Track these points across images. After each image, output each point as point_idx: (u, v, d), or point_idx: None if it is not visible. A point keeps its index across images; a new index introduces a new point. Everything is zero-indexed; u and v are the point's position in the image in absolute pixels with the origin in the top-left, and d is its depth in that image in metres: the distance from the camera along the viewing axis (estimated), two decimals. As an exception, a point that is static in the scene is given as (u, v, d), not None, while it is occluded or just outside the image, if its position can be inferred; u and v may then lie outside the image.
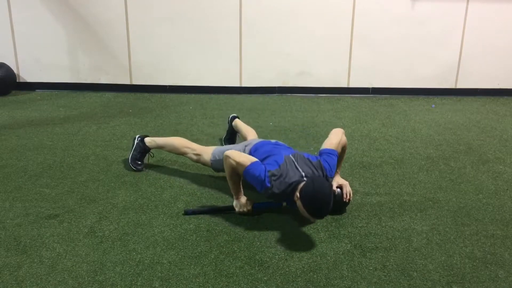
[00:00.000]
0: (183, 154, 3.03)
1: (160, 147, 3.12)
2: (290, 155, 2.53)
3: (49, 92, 5.11)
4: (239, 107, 4.67)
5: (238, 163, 2.42)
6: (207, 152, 2.93)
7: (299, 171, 2.40)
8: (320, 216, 2.31)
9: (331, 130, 2.83)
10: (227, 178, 2.53)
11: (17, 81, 5.09)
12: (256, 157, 2.55)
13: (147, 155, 3.15)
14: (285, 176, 2.36)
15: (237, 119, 3.51)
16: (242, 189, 2.57)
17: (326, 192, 2.23)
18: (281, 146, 2.78)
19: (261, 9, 4.92)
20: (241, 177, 2.51)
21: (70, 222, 2.48)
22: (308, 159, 2.51)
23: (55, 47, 5.01)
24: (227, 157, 2.46)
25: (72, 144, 3.59)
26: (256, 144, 2.81)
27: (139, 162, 3.10)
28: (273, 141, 2.86)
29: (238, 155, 2.45)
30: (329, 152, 2.58)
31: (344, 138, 2.71)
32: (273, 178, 2.35)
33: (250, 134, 3.28)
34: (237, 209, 2.56)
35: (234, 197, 2.58)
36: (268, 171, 2.37)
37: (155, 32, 4.97)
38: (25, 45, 5.00)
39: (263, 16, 4.94)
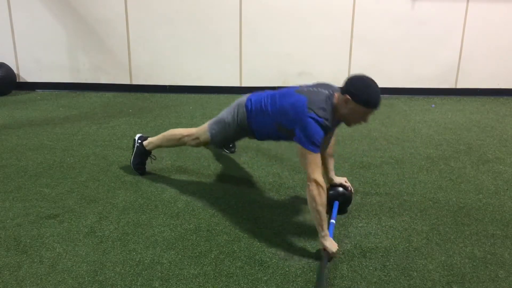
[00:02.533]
0: (183, 144, 2.91)
1: (159, 147, 3.04)
2: (294, 90, 2.41)
3: (49, 92, 5.12)
4: (239, 107, 4.67)
5: (316, 165, 2.18)
6: (203, 131, 2.75)
7: (316, 88, 2.31)
8: (379, 103, 2.20)
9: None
10: (317, 211, 2.16)
11: (17, 81, 5.09)
12: (268, 108, 2.41)
13: (149, 158, 3.10)
14: (321, 101, 2.23)
15: None
16: None
17: (371, 78, 2.20)
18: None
19: (261, 9, 4.92)
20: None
21: (70, 222, 2.48)
22: (308, 86, 2.43)
23: (55, 47, 5.01)
24: (312, 183, 2.16)
25: (72, 144, 3.59)
26: (249, 99, 2.57)
27: (141, 165, 3.06)
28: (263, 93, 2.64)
29: (309, 167, 2.18)
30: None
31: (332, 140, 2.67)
32: (319, 112, 2.19)
33: None
34: (335, 250, 2.15)
35: (324, 233, 2.17)
36: (313, 116, 2.19)
37: (155, 32, 4.97)
38: (25, 45, 5.01)
39: (263, 16, 4.94)
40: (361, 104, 2.18)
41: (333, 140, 2.68)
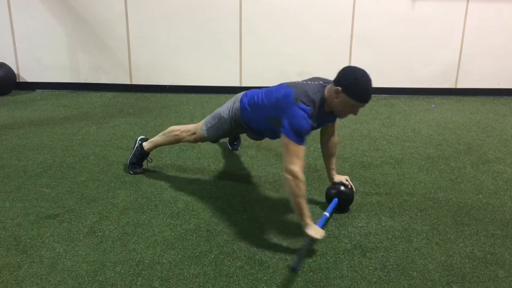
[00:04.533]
0: (180, 140, 2.92)
1: (157, 145, 3.05)
2: (285, 84, 2.41)
3: (49, 92, 5.12)
4: (239, 107, 4.67)
5: (296, 156, 2.16)
6: (200, 125, 2.82)
7: (307, 82, 2.34)
8: (369, 97, 2.21)
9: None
10: (297, 201, 2.16)
11: (17, 81, 5.09)
12: (264, 103, 2.43)
13: (145, 160, 3.10)
14: (309, 92, 2.25)
15: None
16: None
17: (364, 71, 2.20)
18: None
19: (261, 9, 4.92)
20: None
21: (70, 222, 2.48)
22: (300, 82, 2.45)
23: (55, 47, 5.01)
24: (287, 174, 2.15)
25: (72, 144, 3.59)
26: (245, 94, 2.63)
27: (137, 167, 3.07)
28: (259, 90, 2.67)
29: (291, 160, 2.16)
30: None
31: (335, 138, 2.70)
32: (306, 102, 2.20)
33: None
34: (319, 237, 2.16)
35: (304, 223, 2.18)
36: (305, 110, 2.19)
37: (155, 32, 4.97)
38: (25, 45, 5.01)
39: (263, 16, 4.94)
40: (351, 97, 2.19)
41: (335, 139, 2.69)
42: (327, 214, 2.43)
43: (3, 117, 4.23)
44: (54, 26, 4.93)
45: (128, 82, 5.15)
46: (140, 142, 3.08)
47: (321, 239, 2.19)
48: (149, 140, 3.07)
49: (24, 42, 4.99)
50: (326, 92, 2.30)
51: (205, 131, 2.78)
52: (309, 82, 2.39)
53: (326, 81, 2.39)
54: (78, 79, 5.14)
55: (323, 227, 2.31)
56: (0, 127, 3.94)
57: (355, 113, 2.29)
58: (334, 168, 2.72)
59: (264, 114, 2.46)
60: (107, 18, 4.92)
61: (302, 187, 2.16)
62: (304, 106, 2.21)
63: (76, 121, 4.15)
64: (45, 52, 5.03)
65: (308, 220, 2.18)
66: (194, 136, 2.86)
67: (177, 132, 2.92)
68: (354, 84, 2.18)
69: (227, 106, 2.71)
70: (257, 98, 2.52)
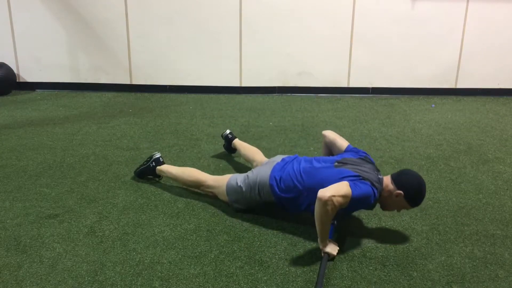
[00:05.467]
0: (197, 188, 2.79)
1: (172, 178, 2.89)
2: (339, 162, 2.39)
3: (49, 92, 5.12)
4: (239, 107, 4.67)
5: (344, 196, 2.10)
6: (222, 190, 2.62)
7: (368, 168, 2.34)
8: (421, 202, 2.34)
9: (331, 130, 2.83)
10: (320, 223, 2.14)
11: (17, 81, 5.09)
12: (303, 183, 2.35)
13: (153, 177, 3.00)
14: (369, 178, 2.25)
15: (236, 140, 3.30)
16: None
17: (424, 181, 2.33)
18: (303, 160, 2.52)
19: (261, 9, 4.92)
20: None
21: (70, 222, 2.48)
22: (352, 159, 2.43)
23: (55, 47, 5.01)
24: (327, 200, 2.06)
25: (72, 144, 3.59)
26: (273, 178, 2.44)
27: (143, 176, 2.99)
28: (287, 158, 2.60)
29: (336, 189, 2.10)
30: (352, 148, 2.58)
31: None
32: (374, 184, 2.24)
33: (256, 154, 3.03)
34: (334, 253, 2.19)
35: (323, 243, 2.19)
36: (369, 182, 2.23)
37: (155, 32, 4.97)
38: (25, 45, 5.01)
39: (263, 16, 4.94)
40: (410, 203, 2.32)
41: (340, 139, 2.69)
42: (335, 222, 2.36)
43: (3, 117, 4.23)
44: (54, 26, 4.93)
45: (128, 82, 5.15)
46: (153, 164, 2.92)
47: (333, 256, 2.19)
48: (164, 170, 2.89)
49: (24, 42, 4.99)
50: (384, 185, 2.31)
51: (229, 201, 2.61)
52: (364, 166, 2.34)
53: (375, 169, 2.38)
54: (78, 79, 5.14)
55: (332, 237, 2.28)
56: (0, 127, 3.94)
57: (399, 211, 2.42)
58: None
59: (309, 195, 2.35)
60: (107, 18, 4.92)
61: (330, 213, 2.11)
62: (374, 189, 2.24)
63: (76, 121, 4.15)
64: (45, 52, 5.02)
65: (327, 238, 2.20)
66: (212, 195, 2.72)
67: (198, 180, 2.74)
68: (417, 193, 2.30)
69: (248, 187, 2.51)
70: (297, 181, 2.38)
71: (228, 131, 3.37)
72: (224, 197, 2.64)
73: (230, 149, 3.37)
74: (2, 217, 2.51)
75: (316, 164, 2.42)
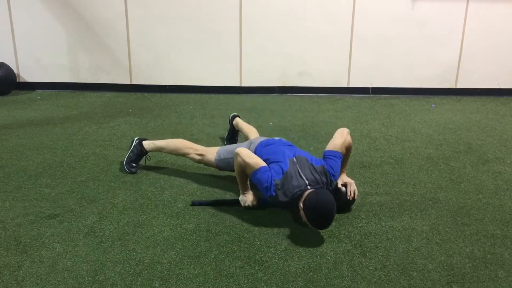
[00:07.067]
0: (184, 155, 3.03)
1: (159, 149, 3.10)
2: (294, 159, 2.53)
3: (49, 92, 5.12)
4: (239, 107, 4.67)
5: (247, 164, 2.47)
6: (212, 152, 2.94)
7: (303, 179, 2.42)
8: (322, 227, 2.35)
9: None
10: (236, 174, 2.59)
11: (17, 81, 5.09)
12: (262, 157, 2.58)
13: (143, 158, 3.12)
14: (289, 185, 2.40)
15: (237, 118, 3.53)
16: (249, 185, 2.62)
17: (328, 205, 2.28)
18: (285, 145, 2.77)
19: (261, 9, 4.92)
20: (249, 176, 2.55)
21: (70, 222, 2.48)
22: (312, 164, 2.51)
23: (55, 47, 5.01)
24: (238, 154, 2.50)
25: (72, 144, 3.59)
26: (261, 142, 2.81)
27: (134, 165, 3.07)
28: (276, 138, 2.87)
29: (248, 156, 2.49)
30: (333, 155, 2.57)
31: (348, 138, 2.68)
32: (278, 187, 2.39)
33: (252, 132, 3.31)
34: (242, 204, 2.61)
35: (240, 191, 2.63)
36: (274, 179, 2.40)
37: (155, 31, 4.97)
38: (25, 45, 5.01)
39: (263, 16, 4.94)
40: (308, 221, 2.33)
41: (348, 142, 2.69)
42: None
43: (3, 117, 4.23)
44: (54, 26, 4.93)
45: (128, 82, 5.15)
46: (137, 141, 3.11)
47: (245, 206, 2.58)
48: (151, 141, 3.11)
49: (24, 42, 4.99)
50: (304, 195, 2.37)
51: (217, 161, 2.90)
52: (302, 176, 2.44)
53: (317, 183, 2.45)
54: (78, 79, 5.14)
55: (266, 204, 2.61)
56: (0, 127, 3.94)
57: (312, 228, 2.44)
58: (344, 170, 2.75)
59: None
60: (107, 18, 4.92)
61: (238, 164, 2.51)
62: (272, 191, 2.40)
63: (76, 121, 4.15)
64: (45, 52, 5.02)
65: (241, 190, 2.61)
66: (201, 157, 2.96)
67: (183, 147, 3.01)
68: (312, 211, 2.29)
69: (244, 146, 2.83)
70: (265, 156, 2.62)
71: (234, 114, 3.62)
72: (212, 155, 2.90)
73: (233, 132, 3.58)
74: (2, 217, 2.51)
75: (283, 145, 2.73)
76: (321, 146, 3.59)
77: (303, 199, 2.34)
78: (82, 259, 2.17)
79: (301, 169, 2.47)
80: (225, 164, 2.87)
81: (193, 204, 2.65)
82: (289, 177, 2.42)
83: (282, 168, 2.46)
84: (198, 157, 2.97)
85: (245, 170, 2.51)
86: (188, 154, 3.00)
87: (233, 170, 2.69)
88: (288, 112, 4.52)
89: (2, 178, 2.98)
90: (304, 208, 2.31)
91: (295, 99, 5.01)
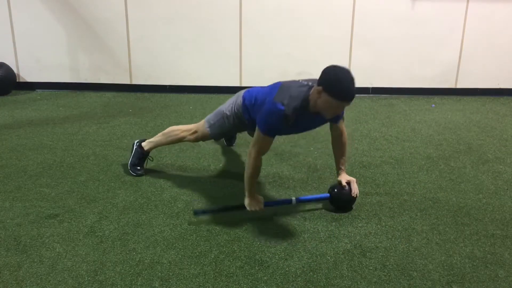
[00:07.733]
0: (181, 139, 2.94)
1: (158, 145, 3.08)
2: (280, 83, 2.49)
3: (49, 92, 5.12)
4: (239, 107, 4.67)
5: (260, 147, 2.38)
6: (202, 123, 2.85)
7: (299, 82, 2.37)
8: (351, 96, 2.19)
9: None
10: (247, 176, 2.46)
11: (17, 81, 5.09)
12: (252, 94, 2.58)
13: (146, 160, 3.11)
14: (291, 91, 2.30)
15: None
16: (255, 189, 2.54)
17: (347, 70, 2.21)
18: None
19: (261, 9, 4.92)
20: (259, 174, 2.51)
21: (70, 222, 2.48)
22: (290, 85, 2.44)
23: (55, 47, 5.01)
24: (251, 153, 2.40)
25: (72, 144, 3.59)
26: (247, 90, 2.74)
27: (139, 168, 3.05)
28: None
29: (259, 148, 2.39)
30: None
31: (342, 126, 2.70)
32: (281, 101, 2.26)
33: None
34: (249, 208, 2.48)
35: (247, 194, 2.49)
36: (273, 98, 2.30)
37: (155, 32, 4.97)
38: (25, 45, 5.01)
39: (263, 16, 4.94)
40: (332, 96, 2.19)
41: (344, 139, 2.70)
42: (293, 199, 2.61)
43: (3, 117, 4.23)
44: (54, 26, 4.93)
45: (128, 82, 5.15)
46: (138, 143, 3.09)
47: (251, 210, 2.48)
48: (148, 141, 3.08)
49: (24, 42, 4.99)
50: (310, 92, 2.31)
51: (208, 128, 2.82)
52: (300, 81, 2.41)
53: (314, 81, 2.36)
54: (78, 79, 5.14)
55: (274, 205, 2.61)
56: (0, 127, 3.95)
57: (338, 113, 2.40)
58: (343, 168, 2.72)
59: (258, 112, 2.49)
60: (107, 18, 4.92)
61: (256, 167, 2.43)
62: (280, 106, 2.26)
63: (76, 121, 4.15)
64: (45, 52, 5.03)
65: (249, 194, 2.48)
66: (195, 135, 2.88)
67: (177, 132, 2.95)
68: (335, 83, 2.18)
69: (230, 103, 2.77)
70: (255, 96, 2.59)
71: None
72: (203, 126, 2.83)
73: (229, 140, 3.52)
74: (2, 217, 2.51)
75: (271, 85, 2.60)
76: (321, 146, 3.60)
77: (317, 83, 2.23)
78: (82, 259, 2.17)
79: (291, 83, 2.42)
80: (218, 129, 2.79)
81: (196, 213, 2.52)
82: (285, 88, 2.34)
83: (274, 88, 2.39)
84: (193, 136, 2.88)
85: (263, 152, 2.41)
86: (184, 137, 2.92)
87: (227, 134, 2.66)
88: (288, 112, 4.52)
89: (2, 178, 2.98)
90: (324, 87, 2.18)
91: (295, 99, 5.00)
